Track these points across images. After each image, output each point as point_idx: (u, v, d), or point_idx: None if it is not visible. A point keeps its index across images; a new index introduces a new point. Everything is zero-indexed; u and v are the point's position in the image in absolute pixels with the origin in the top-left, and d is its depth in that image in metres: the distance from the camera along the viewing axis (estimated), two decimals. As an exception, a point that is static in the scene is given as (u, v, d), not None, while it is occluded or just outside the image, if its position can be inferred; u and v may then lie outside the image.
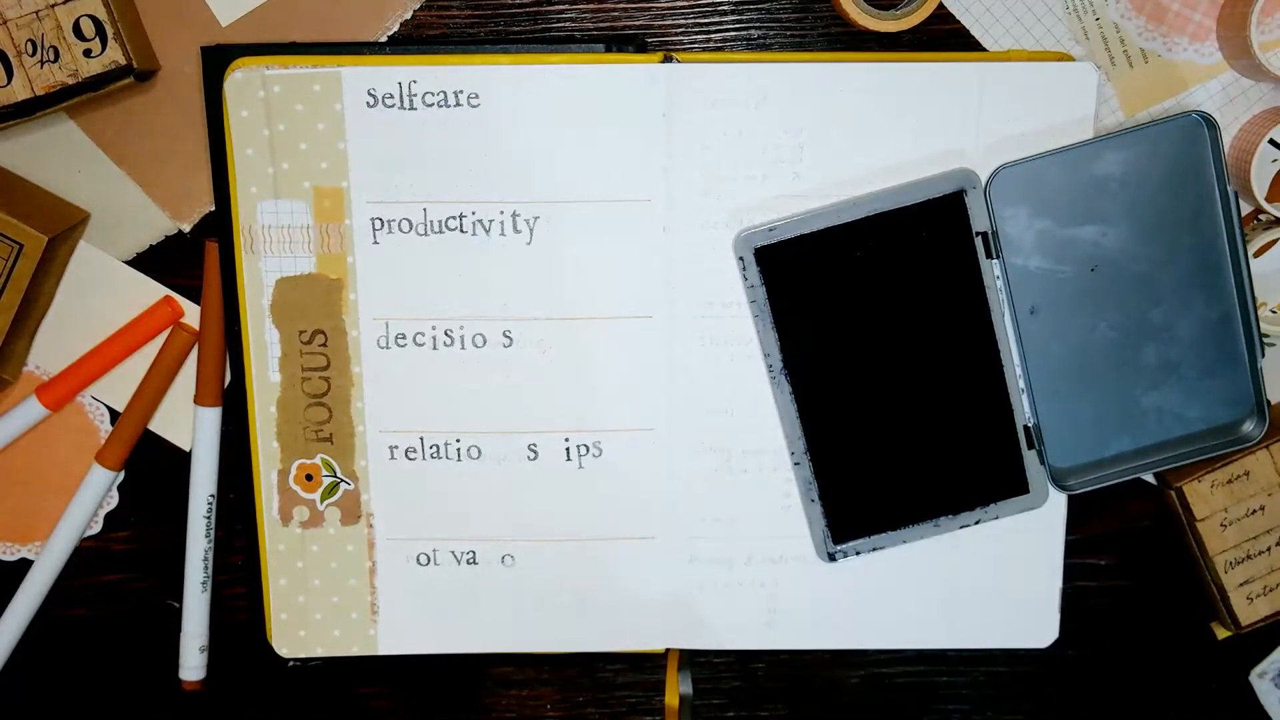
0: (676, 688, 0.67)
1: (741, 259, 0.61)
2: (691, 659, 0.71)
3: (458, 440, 0.65)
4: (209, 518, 0.67)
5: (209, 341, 0.65)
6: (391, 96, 0.61)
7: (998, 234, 0.61)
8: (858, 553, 0.65)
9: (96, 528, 0.69)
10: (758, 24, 0.64)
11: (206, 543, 0.68)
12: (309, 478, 0.66)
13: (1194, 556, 0.67)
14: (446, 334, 0.64)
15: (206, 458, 0.67)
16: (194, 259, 0.65)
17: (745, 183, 0.62)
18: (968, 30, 0.63)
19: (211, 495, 0.67)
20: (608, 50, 0.62)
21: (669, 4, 0.64)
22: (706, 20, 0.64)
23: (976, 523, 0.65)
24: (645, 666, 0.72)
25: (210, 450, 0.67)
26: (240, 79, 0.60)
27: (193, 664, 0.69)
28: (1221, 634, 0.70)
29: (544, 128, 0.61)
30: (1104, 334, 0.63)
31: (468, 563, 0.66)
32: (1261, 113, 0.63)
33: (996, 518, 0.65)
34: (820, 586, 0.66)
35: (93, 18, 0.59)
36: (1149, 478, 0.68)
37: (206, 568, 0.68)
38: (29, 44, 0.59)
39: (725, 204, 0.62)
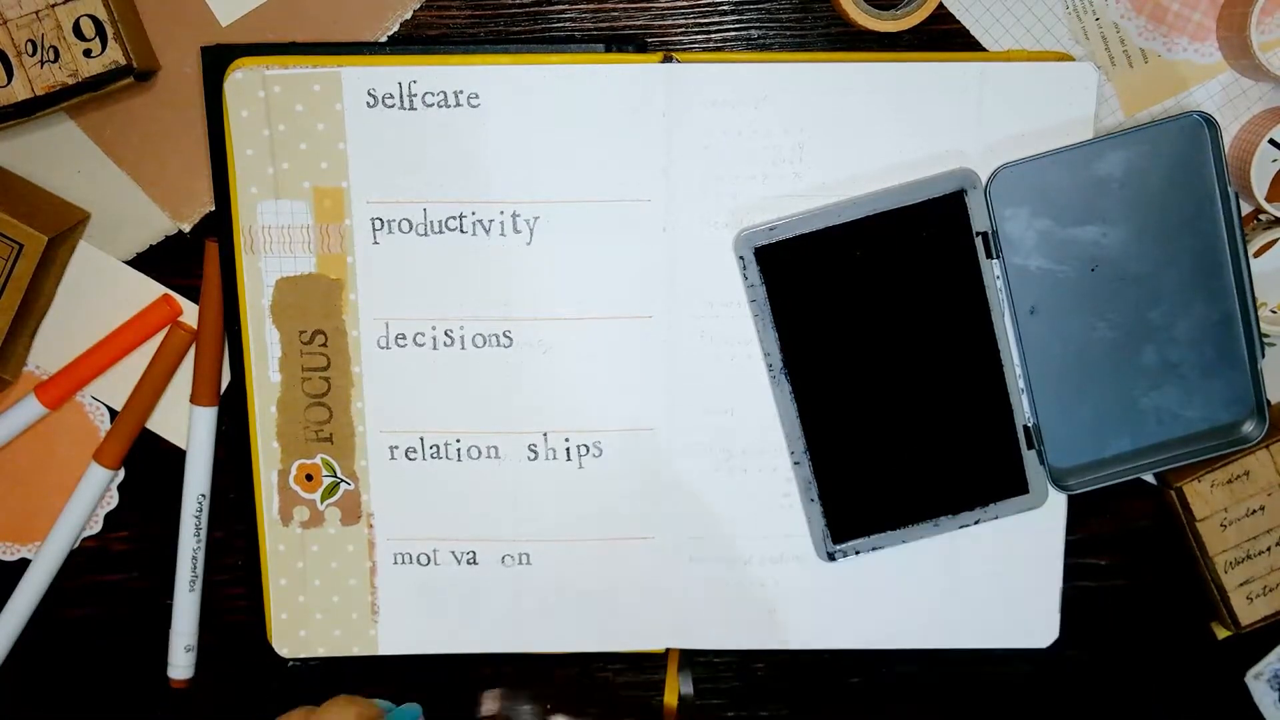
0: (676, 688, 0.67)
1: (741, 259, 0.61)
2: (691, 659, 0.71)
3: (458, 440, 0.65)
4: (199, 517, 0.67)
5: (206, 341, 0.65)
6: (391, 96, 0.61)
7: (998, 234, 0.61)
8: (857, 552, 0.65)
9: (96, 527, 0.69)
10: (758, 24, 0.64)
11: (196, 542, 0.67)
12: (309, 478, 0.66)
13: (1194, 556, 0.67)
14: (446, 334, 0.64)
15: (200, 457, 0.67)
16: (194, 259, 0.65)
17: (745, 183, 0.62)
18: (968, 30, 0.63)
19: (203, 495, 0.67)
20: (608, 50, 0.62)
21: (669, 4, 0.63)
22: (706, 20, 0.64)
23: (976, 523, 0.65)
24: (645, 666, 0.72)
25: (205, 450, 0.67)
26: (240, 79, 0.60)
27: (179, 663, 0.69)
28: (1221, 634, 0.70)
29: (544, 128, 0.61)
30: (1104, 334, 0.63)
31: (468, 563, 0.66)
32: (1261, 113, 0.63)
33: (996, 518, 0.65)
34: (820, 586, 0.66)
35: (93, 18, 0.59)
36: (1149, 478, 0.68)
37: (195, 567, 0.68)
38: (29, 44, 0.59)
39: (725, 204, 0.62)
